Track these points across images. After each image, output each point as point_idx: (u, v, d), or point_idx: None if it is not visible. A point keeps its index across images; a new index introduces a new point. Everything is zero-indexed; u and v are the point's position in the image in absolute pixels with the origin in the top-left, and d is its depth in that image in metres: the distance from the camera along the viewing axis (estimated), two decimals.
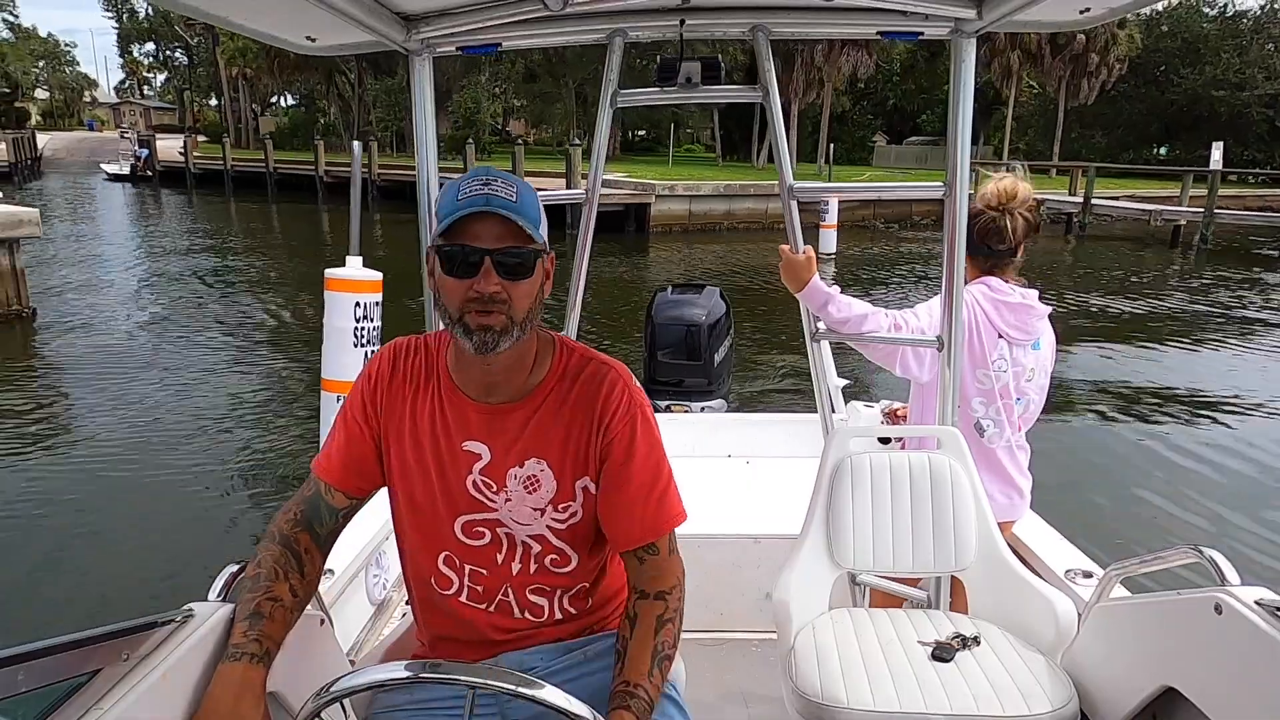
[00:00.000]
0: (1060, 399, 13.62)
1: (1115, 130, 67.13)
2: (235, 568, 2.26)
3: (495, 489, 2.06)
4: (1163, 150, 68.39)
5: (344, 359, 6.45)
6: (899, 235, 37.88)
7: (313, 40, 3.04)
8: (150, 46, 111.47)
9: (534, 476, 2.05)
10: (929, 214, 39.61)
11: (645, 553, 2.06)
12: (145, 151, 62.66)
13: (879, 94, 73.44)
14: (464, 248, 1.87)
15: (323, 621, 2.63)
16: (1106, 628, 2.71)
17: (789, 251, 3.44)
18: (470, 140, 44.15)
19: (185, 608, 2.08)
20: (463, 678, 1.51)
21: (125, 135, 75.37)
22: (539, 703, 1.52)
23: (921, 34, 3.09)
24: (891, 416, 4.65)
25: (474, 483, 2.06)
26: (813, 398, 4.01)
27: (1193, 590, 2.34)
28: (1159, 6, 63.54)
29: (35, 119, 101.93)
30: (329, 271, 6.46)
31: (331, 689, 1.54)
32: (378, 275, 6.31)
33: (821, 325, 3.59)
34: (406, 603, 3.64)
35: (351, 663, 2.91)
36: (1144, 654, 2.51)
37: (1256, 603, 2.14)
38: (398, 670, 1.53)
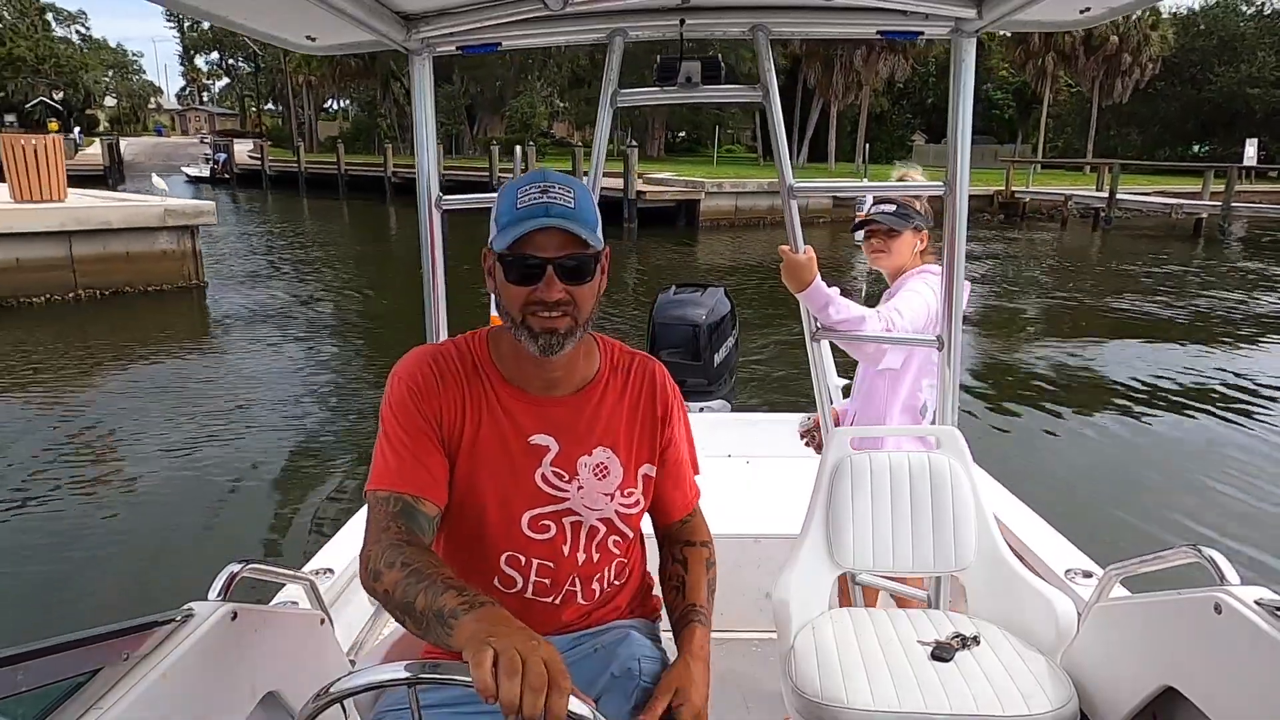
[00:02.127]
0: (1062, 389, 13.73)
1: (1151, 128, 67.36)
2: (236, 567, 2.27)
3: (567, 478, 2.12)
4: (1200, 148, 68.00)
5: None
6: (933, 228, 38.26)
7: (313, 40, 3.05)
8: (214, 55, 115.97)
9: (602, 464, 2.15)
10: None
11: (689, 517, 2.41)
12: (224, 155, 66.64)
13: (918, 94, 73.67)
14: (525, 257, 1.92)
15: (323, 621, 2.64)
16: (1106, 627, 2.71)
17: (790, 252, 3.42)
18: (530, 142, 46.49)
19: (185, 607, 2.09)
20: (462, 678, 1.49)
21: (204, 140, 78.52)
22: None
23: (922, 34, 3.09)
24: (816, 428, 4.27)
25: (543, 475, 2.10)
26: (812, 397, 3.99)
27: (1192, 590, 2.34)
28: (1194, 6, 63.28)
29: (104, 125, 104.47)
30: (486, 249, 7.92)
31: (331, 690, 1.52)
32: None
33: (821, 325, 3.57)
34: None
35: (352, 663, 2.91)
36: (1144, 654, 2.50)
37: (1256, 602, 2.13)
38: (398, 670, 1.51)
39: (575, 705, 1.50)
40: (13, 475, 9.77)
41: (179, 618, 2.05)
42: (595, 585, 2.22)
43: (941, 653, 2.82)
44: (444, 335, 3.55)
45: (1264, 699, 2.05)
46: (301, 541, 8.02)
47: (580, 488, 2.13)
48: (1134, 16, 58.55)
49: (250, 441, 10.99)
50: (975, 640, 2.89)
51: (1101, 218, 39.88)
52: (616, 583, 2.30)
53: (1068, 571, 3.42)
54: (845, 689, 2.66)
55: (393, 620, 3.19)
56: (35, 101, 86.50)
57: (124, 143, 70.02)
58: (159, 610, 2.01)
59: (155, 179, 42.54)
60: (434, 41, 3.14)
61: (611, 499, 2.16)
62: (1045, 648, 2.84)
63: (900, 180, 3.79)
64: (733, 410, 6.85)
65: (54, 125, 73.25)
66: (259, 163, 64.19)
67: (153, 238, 20.03)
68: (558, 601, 2.17)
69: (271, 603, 2.85)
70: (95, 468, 10.21)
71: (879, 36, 3.15)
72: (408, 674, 1.50)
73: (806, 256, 3.39)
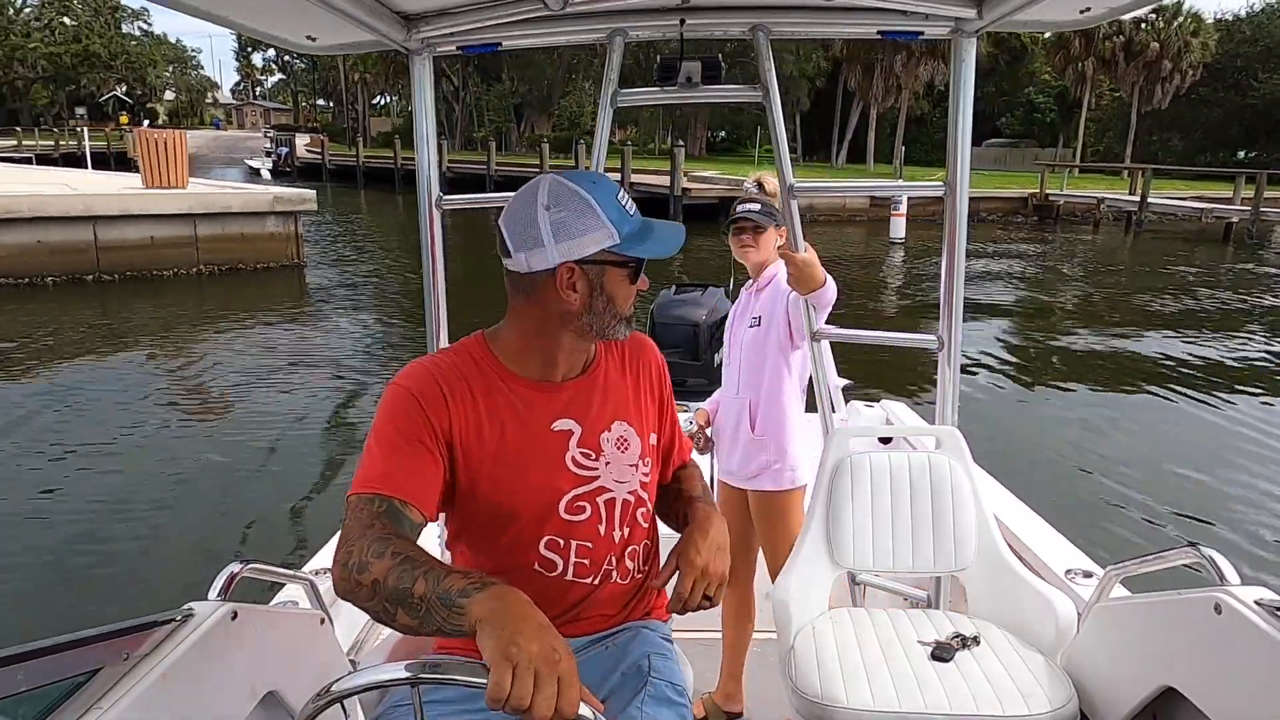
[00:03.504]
0: (1065, 386, 13.84)
1: (1194, 134, 67.16)
2: (236, 567, 2.27)
3: (595, 456, 2.16)
4: (1245, 154, 67.40)
5: None
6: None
7: (313, 40, 3.05)
8: (270, 52, 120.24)
9: (622, 437, 2.21)
10: (995, 210, 45.12)
11: (685, 467, 2.55)
12: (285, 149, 70.45)
13: None
14: (641, 261, 2.07)
15: (323, 621, 2.63)
16: (1106, 627, 2.71)
17: (791, 253, 3.35)
18: (580, 141, 48.93)
19: (185, 607, 2.09)
20: (464, 677, 1.50)
21: (268, 135, 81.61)
22: None
23: (922, 34, 3.08)
24: (700, 429, 4.20)
25: (572, 458, 2.13)
26: (812, 397, 3.97)
27: (1193, 590, 2.33)
28: (1240, 9, 63.20)
29: (162, 118, 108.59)
30: None
31: (331, 690, 1.53)
32: None
33: (822, 325, 3.54)
34: None
35: (352, 663, 2.91)
36: (1144, 654, 2.50)
37: (1256, 603, 2.13)
38: (398, 670, 1.51)
39: (583, 710, 1.50)
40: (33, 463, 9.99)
41: (179, 618, 2.05)
42: (630, 563, 2.25)
43: (941, 653, 2.82)
44: (444, 335, 3.58)
45: (1264, 699, 2.04)
46: (301, 541, 8.04)
47: (608, 463, 2.17)
48: (1174, 23, 59.72)
49: (287, 432, 11.17)
50: (975, 640, 2.90)
51: (1133, 221, 40.59)
52: (646, 566, 2.33)
53: (1068, 571, 3.40)
54: (845, 689, 2.66)
55: None
56: (108, 95, 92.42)
57: (188, 135, 72.17)
58: (159, 610, 2.01)
59: (264, 172, 48.91)
60: (434, 41, 3.14)
61: (635, 470, 2.21)
62: (1045, 648, 2.84)
63: (757, 182, 3.82)
64: None
65: (124, 118, 77.52)
66: (319, 157, 67.13)
67: (263, 221, 23.04)
68: (596, 582, 2.19)
69: (271, 603, 2.84)
70: (117, 457, 10.37)
71: (879, 37, 3.14)
72: (409, 674, 1.50)
73: (811, 255, 3.35)
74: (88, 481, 9.70)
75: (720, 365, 7.09)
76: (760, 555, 4.00)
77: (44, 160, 53.02)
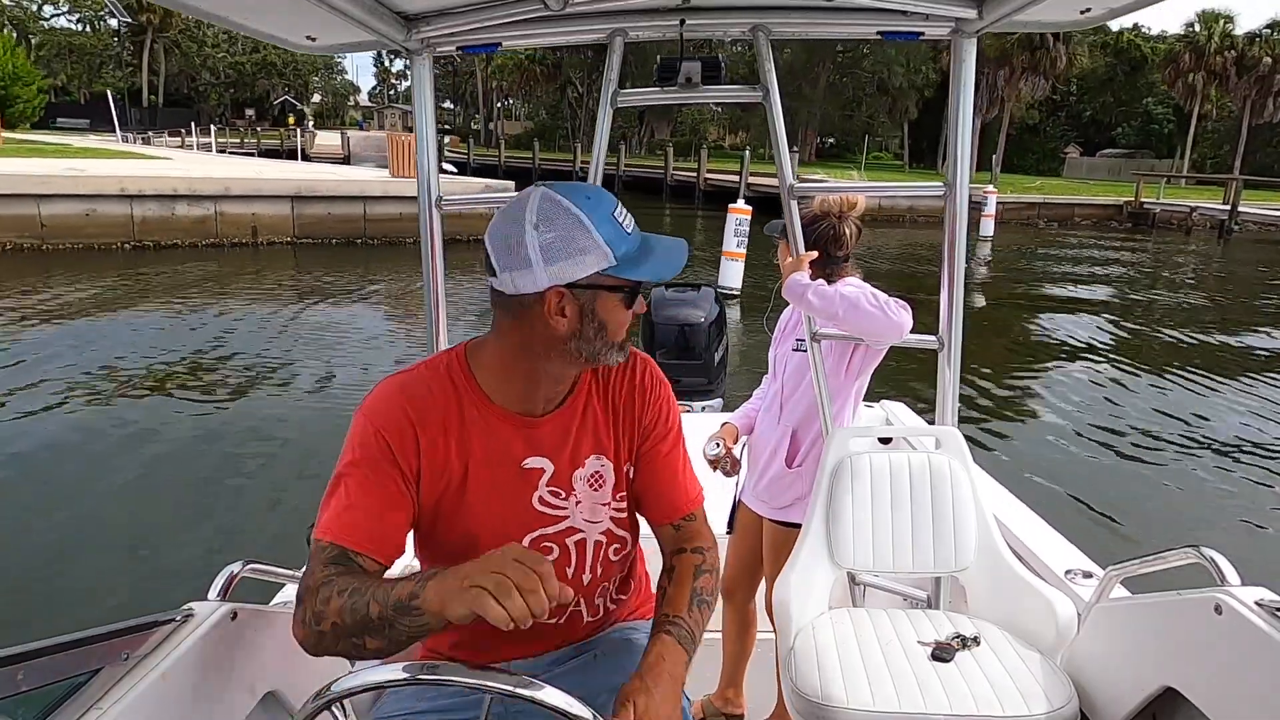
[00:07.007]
0: (1070, 388, 13.85)
1: None
2: (236, 567, 2.28)
3: (564, 495, 2.05)
4: None
5: (731, 242, 11.14)
6: (1056, 232, 43.94)
7: (313, 40, 3.03)
8: None
9: (597, 473, 2.08)
10: (1089, 216, 48.73)
11: (685, 521, 2.19)
12: None
13: (1074, 106, 72.99)
14: (638, 283, 1.91)
15: None
16: (1106, 628, 2.70)
17: (787, 255, 3.38)
18: (701, 145, 54.07)
19: (185, 607, 2.09)
20: (460, 679, 1.51)
21: None
22: (538, 704, 1.51)
23: (922, 34, 3.07)
24: (727, 453, 3.92)
25: (540, 498, 2.02)
26: None
27: (1193, 590, 2.33)
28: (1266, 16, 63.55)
29: (310, 120, 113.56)
30: (730, 205, 11.38)
31: (331, 690, 1.54)
32: (749, 207, 10.88)
33: (821, 325, 3.48)
34: None
35: (351, 662, 2.96)
36: (1144, 654, 2.49)
37: (1256, 603, 2.13)
38: (397, 671, 1.53)
39: (577, 708, 1.51)
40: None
41: (179, 618, 2.06)
42: (599, 601, 2.19)
43: (941, 653, 2.81)
44: (443, 335, 3.60)
45: (1264, 700, 2.04)
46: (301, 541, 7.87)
47: (579, 502, 2.06)
48: None
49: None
50: (975, 640, 2.88)
51: (1224, 228, 42.42)
52: (621, 597, 2.28)
53: (1068, 572, 3.39)
54: (845, 689, 2.65)
55: None
56: (280, 99, 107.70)
57: (349, 135, 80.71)
58: (159, 610, 2.02)
59: (446, 165, 53.77)
60: (434, 41, 3.14)
61: (608, 507, 2.10)
62: (1045, 648, 2.83)
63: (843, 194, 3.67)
64: (725, 409, 6.75)
65: (291, 120, 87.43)
66: (464, 155, 72.36)
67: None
68: (562, 622, 2.13)
69: (271, 603, 2.85)
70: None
71: (879, 38, 3.13)
72: (406, 675, 1.52)
73: (790, 264, 3.34)
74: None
75: (719, 364, 7.11)
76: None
77: (266, 155, 62.34)
